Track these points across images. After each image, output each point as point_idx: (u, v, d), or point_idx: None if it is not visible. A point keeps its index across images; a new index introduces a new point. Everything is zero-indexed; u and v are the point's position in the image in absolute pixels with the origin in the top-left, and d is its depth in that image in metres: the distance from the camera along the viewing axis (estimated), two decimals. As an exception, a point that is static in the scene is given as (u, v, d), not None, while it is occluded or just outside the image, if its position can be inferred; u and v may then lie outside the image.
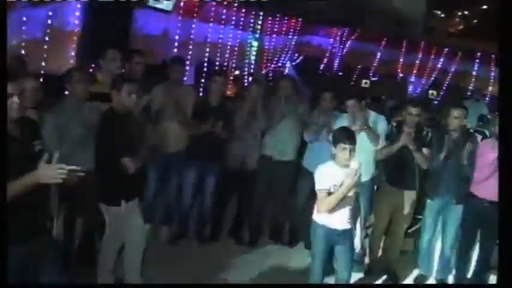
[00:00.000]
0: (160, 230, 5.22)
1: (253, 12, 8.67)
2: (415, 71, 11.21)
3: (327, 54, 11.50)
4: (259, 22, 8.90)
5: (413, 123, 4.74)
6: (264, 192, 5.47)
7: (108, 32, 5.25)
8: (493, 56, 10.78)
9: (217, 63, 7.76)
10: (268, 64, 9.92)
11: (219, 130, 4.85)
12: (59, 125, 3.80)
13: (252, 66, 9.13)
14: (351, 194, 3.76)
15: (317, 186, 3.77)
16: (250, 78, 8.75)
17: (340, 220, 3.82)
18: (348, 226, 3.89)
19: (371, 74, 11.63)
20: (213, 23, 7.42)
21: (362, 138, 4.52)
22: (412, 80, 11.29)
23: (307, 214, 5.35)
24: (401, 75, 11.40)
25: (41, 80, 4.73)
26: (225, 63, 8.04)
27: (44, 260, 2.84)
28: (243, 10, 8.20)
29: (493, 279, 4.97)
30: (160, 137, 4.84)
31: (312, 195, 5.24)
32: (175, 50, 6.64)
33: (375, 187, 5.04)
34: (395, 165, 4.79)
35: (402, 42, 11.39)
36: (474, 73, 10.86)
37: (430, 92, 11.12)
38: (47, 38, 4.99)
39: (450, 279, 5.08)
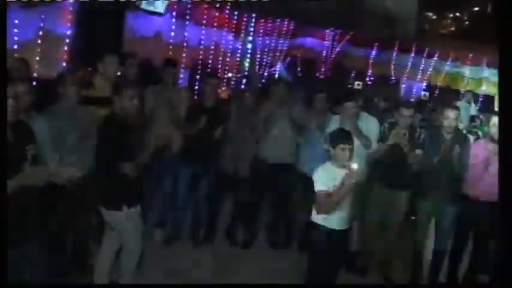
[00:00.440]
0: (154, 232, 5.22)
1: (246, 15, 8.67)
2: (407, 73, 11.24)
3: (320, 56, 11.52)
4: (252, 24, 8.91)
5: (406, 125, 4.76)
6: (259, 195, 5.49)
7: (101, 35, 5.24)
8: (484, 57, 10.86)
9: (210, 65, 7.75)
10: (261, 66, 9.93)
11: (213, 132, 4.84)
12: (52, 129, 3.78)
13: (246, 68, 9.14)
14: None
15: (317, 188, 3.79)
16: (244, 80, 8.76)
17: (338, 220, 3.86)
18: (346, 226, 3.93)
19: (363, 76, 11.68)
20: (206, 26, 7.42)
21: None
22: (404, 81, 11.33)
23: (302, 215, 5.40)
24: (393, 76, 11.43)
25: (34, 83, 4.71)
26: (219, 65, 8.04)
27: (36, 262, 2.84)
28: (236, 12, 8.21)
29: (486, 279, 5.02)
30: (153, 139, 4.83)
31: (306, 197, 5.29)
32: (169, 53, 6.63)
33: (368, 188, 5.04)
34: (388, 166, 4.82)
35: (394, 43, 11.43)
36: (466, 74, 10.91)
37: (423, 93, 11.17)
38: (39, 41, 4.97)
39: (442, 279, 5.11)
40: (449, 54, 11.06)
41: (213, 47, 7.75)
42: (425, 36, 16.13)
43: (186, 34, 6.94)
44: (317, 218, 3.88)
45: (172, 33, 6.67)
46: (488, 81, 10.72)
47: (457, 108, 4.99)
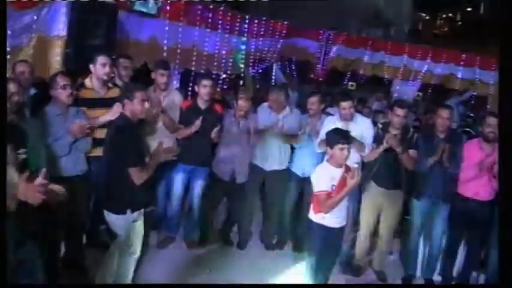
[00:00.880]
0: (149, 234, 5.20)
1: (239, 16, 8.67)
2: (400, 73, 11.25)
3: (313, 57, 11.53)
4: (246, 25, 8.90)
5: (400, 125, 4.77)
6: (254, 198, 5.49)
7: (94, 37, 5.22)
8: (477, 57, 10.91)
9: (204, 67, 7.73)
10: (255, 67, 9.92)
11: (208, 134, 4.81)
12: (44, 132, 3.77)
13: (241, 70, 9.13)
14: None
15: (316, 188, 3.83)
16: (240, 82, 8.77)
17: (336, 219, 3.91)
18: (343, 223, 4.00)
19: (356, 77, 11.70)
20: (199, 27, 7.40)
21: None
22: (397, 81, 11.34)
23: (296, 216, 5.42)
24: (386, 77, 11.45)
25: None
26: (214, 67, 8.02)
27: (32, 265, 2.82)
28: (229, 14, 8.20)
29: (480, 278, 5.04)
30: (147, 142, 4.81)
31: (300, 198, 5.31)
32: (162, 54, 6.61)
33: (362, 188, 5.04)
34: (382, 166, 4.82)
35: (388, 44, 11.45)
36: (459, 75, 10.93)
37: (416, 93, 11.21)
38: (32, 43, 4.95)
39: (436, 278, 5.13)
40: (442, 55, 11.08)
41: (206, 48, 7.72)
42: (418, 36, 16.20)
43: (179, 35, 6.91)
44: (315, 217, 3.91)
45: (166, 35, 6.65)
46: (481, 82, 10.76)
47: (449, 107, 5.02)
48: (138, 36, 6.22)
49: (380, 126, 5.06)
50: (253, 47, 9.43)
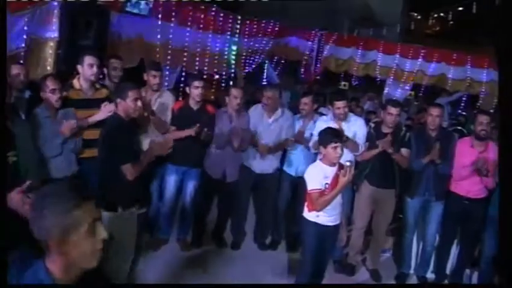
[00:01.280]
0: (142, 236, 5.17)
1: (231, 16, 8.66)
2: (393, 73, 11.28)
3: (305, 57, 11.53)
4: (238, 26, 8.89)
5: (392, 123, 4.79)
6: (246, 198, 5.49)
7: (86, 38, 5.20)
8: (469, 56, 10.96)
9: (196, 67, 7.71)
10: (247, 67, 9.91)
11: (200, 134, 4.80)
12: (34, 134, 3.75)
13: (232, 70, 9.11)
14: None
15: (310, 187, 3.86)
16: (231, 82, 8.75)
17: (330, 217, 3.94)
18: (337, 222, 4.03)
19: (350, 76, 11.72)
20: (191, 27, 7.39)
21: None
22: (390, 81, 11.36)
23: (289, 216, 5.42)
24: (379, 77, 11.48)
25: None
26: (205, 68, 8.00)
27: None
28: (221, 14, 8.19)
29: (473, 275, 5.07)
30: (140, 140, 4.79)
31: (294, 198, 5.31)
32: (154, 55, 6.59)
33: (355, 187, 5.05)
34: (375, 165, 4.84)
35: (380, 44, 11.47)
36: (450, 74, 10.97)
37: (408, 92, 11.26)
38: (23, 45, 4.92)
39: (429, 276, 5.15)
40: (434, 54, 11.12)
41: (198, 49, 7.71)
42: (410, 36, 16.24)
43: (170, 36, 6.90)
44: (309, 215, 3.93)
45: (158, 36, 6.63)
46: (472, 80, 10.82)
47: (440, 106, 5.04)
48: (129, 36, 6.20)
49: (372, 125, 5.07)
50: (245, 47, 9.42)
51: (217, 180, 5.12)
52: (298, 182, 5.00)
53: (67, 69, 4.74)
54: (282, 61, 11.47)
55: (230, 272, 4.82)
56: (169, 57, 6.98)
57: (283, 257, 5.27)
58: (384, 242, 5.34)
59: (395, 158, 4.70)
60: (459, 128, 7.77)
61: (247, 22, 9.21)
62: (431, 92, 11.39)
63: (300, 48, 11.45)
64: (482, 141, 4.67)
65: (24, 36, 4.85)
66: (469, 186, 4.75)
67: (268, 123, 5.18)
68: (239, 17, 8.92)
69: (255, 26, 9.53)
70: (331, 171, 3.84)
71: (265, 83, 10.16)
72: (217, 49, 8.30)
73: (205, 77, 7.26)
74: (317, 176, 3.85)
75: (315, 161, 4.27)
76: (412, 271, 5.21)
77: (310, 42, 11.48)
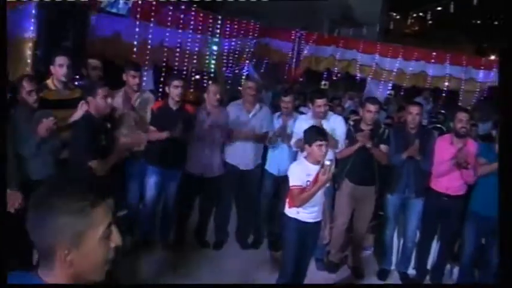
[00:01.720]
0: (124, 238, 5.11)
1: (211, 16, 8.65)
2: (372, 72, 11.38)
3: (286, 57, 11.57)
4: (218, 26, 8.88)
5: (371, 120, 4.82)
6: (228, 197, 5.47)
7: (64, 38, 5.14)
8: (448, 55, 11.12)
9: (176, 67, 7.68)
10: (228, 68, 9.90)
11: (180, 135, 4.76)
12: (11, 135, 3.68)
13: (212, 70, 9.09)
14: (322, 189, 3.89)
15: (292, 183, 3.89)
16: (210, 82, 8.73)
17: (311, 213, 3.96)
18: (318, 219, 4.04)
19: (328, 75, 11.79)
20: (170, 27, 7.36)
21: None
22: (369, 80, 11.47)
23: (271, 215, 5.42)
24: (359, 75, 11.58)
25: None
26: (185, 68, 7.98)
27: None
28: (201, 14, 8.18)
29: (453, 270, 5.13)
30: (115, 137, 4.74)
31: (276, 196, 5.31)
32: (133, 55, 6.54)
33: (336, 185, 5.07)
34: (355, 163, 4.86)
35: (360, 43, 11.56)
36: (430, 73, 11.11)
37: (388, 91, 11.37)
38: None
39: (410, 272, 5.19)
40: (413, 53, 11.25)
41: (178, 49, 7.68)
42: (389, 35, 16.41)
43: (149, 36, 6.86)
44: (290, 211, 3.95)
45: (136, 36, 6.59)
46: (451, 78, 10.99)
47: (419, 104, 5.09)
48: (108, 36, 6.15)
49: (352, 123, 5.10)
50: (226, 47, 9.41)
51: (199, 179, 5.10)
52: (280, 181, 5.00)
53: (45, 70, 4.67)
54: (264, 61, 11.50)
55: (211, 271, 4.79)
56: (147, 57, 6.94)
57: (266, 256, 5.27)
58: (365, 239, 5.37)
59: (374, 154, 4.74)
60: (438, 126, 7.84)
61: (228, 22, 9.21)
62: (411, 90, 11.51)
63: (280, 49, 11.49)
64: (461, 139, 4.72)
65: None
66: (448, 183, 4.80)
67: (248, 119, 5.19)
68: (219, 17, 8.91)
69: (235, 26, 9.54)
70: (315, 169, 3.86)
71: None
72: (198, 49, 8.28)
73: (185, 76, 7.23)
74: (300, 173, 3.88)
75: (296, 159, 4.28)
76: (393, 267, 5.25)
77: (290, 43, 11.53)
